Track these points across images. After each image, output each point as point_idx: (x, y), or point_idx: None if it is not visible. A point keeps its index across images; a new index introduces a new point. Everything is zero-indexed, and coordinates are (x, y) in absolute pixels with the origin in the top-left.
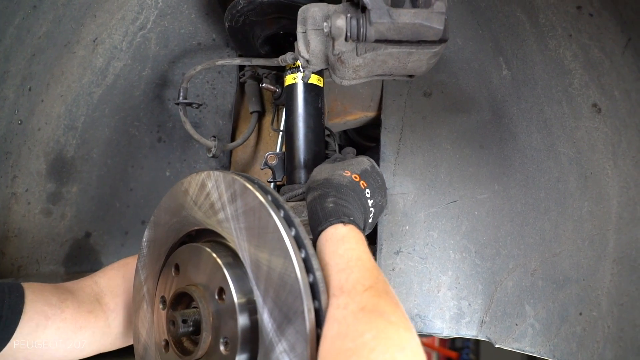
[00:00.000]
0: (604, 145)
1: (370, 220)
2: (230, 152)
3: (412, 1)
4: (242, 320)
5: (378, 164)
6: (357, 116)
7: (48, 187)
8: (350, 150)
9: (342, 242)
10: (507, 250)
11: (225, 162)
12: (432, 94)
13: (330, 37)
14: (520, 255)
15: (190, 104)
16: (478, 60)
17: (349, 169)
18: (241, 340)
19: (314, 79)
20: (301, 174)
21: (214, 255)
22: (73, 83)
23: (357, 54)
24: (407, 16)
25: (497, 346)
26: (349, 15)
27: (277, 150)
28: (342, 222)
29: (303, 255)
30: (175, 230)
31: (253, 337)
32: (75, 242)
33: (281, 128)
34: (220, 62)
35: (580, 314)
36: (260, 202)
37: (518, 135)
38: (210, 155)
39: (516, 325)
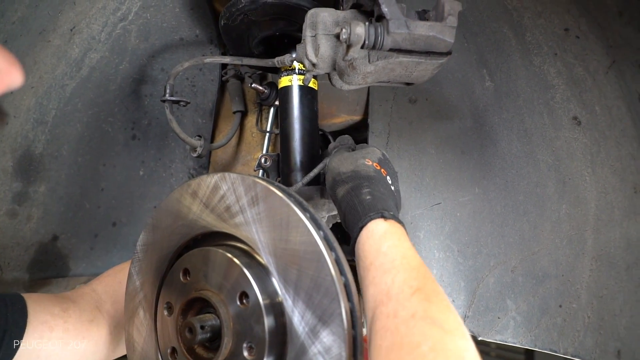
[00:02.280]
0: (583, 154)
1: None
2: (210, 152)
3: (419, 14)
4: (270, 323)
5: None
6: (342, 119)
7: (14, 186)
8: (347, 137)
9: (384, 238)
10: (488, 249)
11: (204, 162)
12: (417, 100)
13: (345, 43)
14: (501, 254)
15: (177, 102)
16: (462, 71)
17: (369, 158)
18: (269, 343)
19: (310, 82)
20: (297, 176)
21: (235, 259)
22: (45, 74)
23: (369, 61)
24: (422, 28)
25: (480, 338)
26: (367, 23)
27: (264, 151)
28: (383, 216)
29: (334, 257)
30: (180, 234)
31: (281, 340)
32: (42, 246)
33: (267, 129)
34: (208, 60)
35: (560, 306)
36: (288, 205)
37: (498, 142)
38: (196, 155)
39: (498, 318)
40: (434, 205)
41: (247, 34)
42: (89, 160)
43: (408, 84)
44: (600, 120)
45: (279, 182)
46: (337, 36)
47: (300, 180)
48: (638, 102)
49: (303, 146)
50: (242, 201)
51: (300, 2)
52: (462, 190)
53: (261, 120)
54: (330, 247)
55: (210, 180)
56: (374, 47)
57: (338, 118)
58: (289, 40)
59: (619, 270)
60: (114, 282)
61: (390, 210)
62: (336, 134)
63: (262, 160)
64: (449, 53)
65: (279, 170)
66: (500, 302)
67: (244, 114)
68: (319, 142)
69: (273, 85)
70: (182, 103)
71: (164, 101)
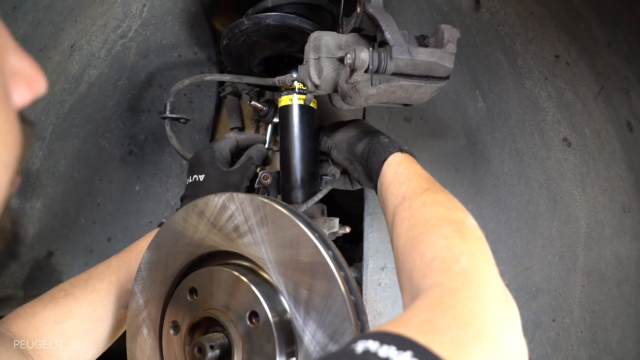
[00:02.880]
0: (573, 174)
1: None
2: None
3: (417, 39)
4: (280, 342)
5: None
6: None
7: (11, 202)
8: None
9: (400, 164)
10: None
11: None
12: (412, 119)
13: (349, 67)
14: None
15: (177, 119)
16: (455, 92)
17: (364, 122)
18: None
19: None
20: (298, 194)
21: (244, 277)
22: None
23: (371, 84)
24: (424, 54)
25: None
26: (371, 49)
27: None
28: (401, 150)
29: (344, 276)
30: (186, 253)
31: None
32: (36, 263)
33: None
34: (209, 78)
35: (554, 320)
36: (297, 225)
37: (491, 160)
38: None
39: None
40: None
41: (248, 54)
42: (86, 175)
43: (406, 105)
44: (590, 142)
45: (280, 199)
46: (340, 59)
47: (301, 198)
48: (626, 127)
49: (304, 164)
50: (251, 221)
51: (303, 25)
52: None
53: None
54: (339, 267)
55: (217, 200)
56: (377, 72)
57: None
58: (289, 60)
59: (610, 287)
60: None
61: (404, 147)
62: None
63: (262, 177)
64: (447, 77)
65: (279, 187)
66: None
67: (241, 130)
68: (318, 160)
69: (271, 102)
70: (182, 120)
71: (164, 118)
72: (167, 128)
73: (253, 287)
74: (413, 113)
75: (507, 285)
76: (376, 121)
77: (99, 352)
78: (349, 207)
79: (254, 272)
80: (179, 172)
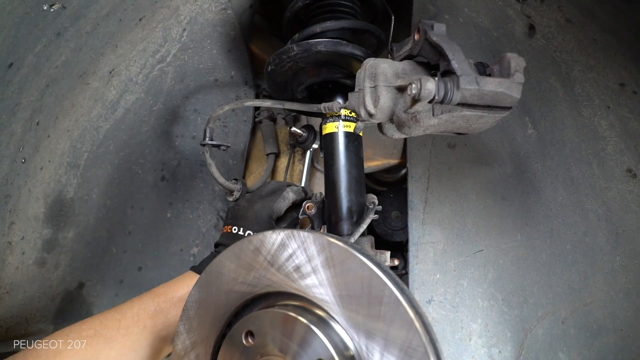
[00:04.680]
0: (639, 207)
1: None
2: None
3: (477, 67)
4: None
5: (401, 209)
6: (379, 162)
7: (44, 233)
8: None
9: None
10: (535, 299)
11: None
12: (456, 145)
13: (412, 97)
14: (549, 304)
15: (217, 146)
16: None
17: None
18: None
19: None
20: (345, 226)
21: (312, 325)
22: (81, 117)
23: (433, 114)
24: (492, 84)
25: None
26: (437, 78)
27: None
28: None
29: (423, 323)
30: (239, 292)
31: None
32: (67, 295)
33: (304, 173)
34: (249, 103)
35: None
36: (369, 268)
37: (542, 190)
38: (232, 199)
39: None
40: (476, 252)
41: (293, 80)
42: (118, 203)
43: (460, 134)
44: None
45: (325, 231)
46: (399, 88)
47: (348, 230)
48: None
49: (351, 194)
50: (315, 262)
51: (355, 52)
52: (504, 237)
53: (293, 164)
54: (417, 313)
55: (276, 237)
56: (441, 102)
57: (374, 161)
58: (333, 85)
59: None
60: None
61: None
62: (370, 177)
63: (306, 207)
64: (510, 107)
65: (324, 218)
66: (551, 354)
67: (277, 156)
68: (365, 190)
69: (311, 128)
70: (222, 147)
71: (203, 145)
72: (207, 155)
73: (321, 335)
74: (457, 139)
75: (563, 322)
76: (419, 147)
77: None
78: (384, 234)
79: (319, 317)
80: (211, 198)
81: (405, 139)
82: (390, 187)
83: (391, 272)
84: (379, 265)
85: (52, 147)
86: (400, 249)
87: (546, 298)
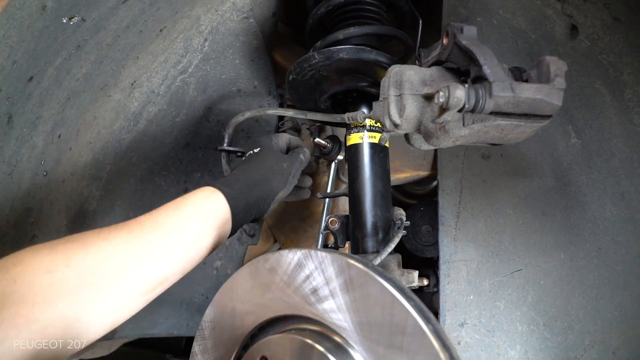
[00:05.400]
0: None
1: None
2: None
3: (513, 72)
4: None
5: (432, 224)
6: (408, 175)
7: None
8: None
9: None
10: (581, 325)
11: None
12: (490, 156)
13: (440, 106)
14: (598, 332)
15: (234, 152)
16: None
17: None
18: None
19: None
20: (370, 243)
21: (330, 355)
22: (104, 129)
23: (463, 124)
24: (529, 91)
25: None
26: (466, 85)
27: (326, 210)
28: None
29: (449, 357)
30: (254, 314)
31: None
32: None
33: (328, 186)
34: (271, 112)
35: None
36: (391, 294)
37: (587, 204)
38: None
39: None
40: (514, 271)
41: (315, 89)
42: (141, 215)
43: (495, 144)
44: None
45: (349, 247)
46: (426, 96)
47: (373, 247)
48: None
49: (376, 209)
50: (333, 284)
51: (379, 58)
52: (545, 256)
53: (317, 175)
54: (444, 345)
55: (292, 256)
56: (472, 111)
57: (402, 173)
58: (358, 94)
59: None
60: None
61: None
62: (398, 189)
63: (330, 222)
64: (550, 115)
65: (348, 233)
66: None
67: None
68: (392, 204)
69: (335, 139)
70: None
71: (220, 150)
72: (223, 161)
73: None
74: (492, 150)
75: (615, 353)
76: (450, 158)
77: None
78: (414, 249)
79: (337, 345)
80: None
81: (435, 150)
82: (420, 199)
83: (416, 298)
84: (402, 290)
85: (75, 160)
86: (431, 265)
87: (594, 325)
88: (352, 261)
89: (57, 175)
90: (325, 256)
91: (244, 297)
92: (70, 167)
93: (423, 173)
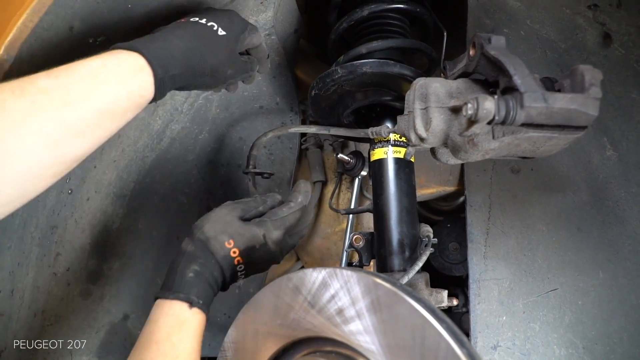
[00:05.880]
0: None
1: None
2: None
3: (544, 82)
4: None
5: (459, 241)
6: (433, 190)
7: (90, 264)
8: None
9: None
10: (625, 349)
11: None
12: (520, 170)
13: (469, 119)
14: None
15: (260, 174)
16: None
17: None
18: None
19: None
20: (396, 261)
21: None
22: (128, 147)
23: (493, 137)
24: (563, 101)
25: None
26: (496, 97)
27: (350, 226)
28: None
29: None
30: (278, 335)
31: None
32: (112, 327)
33: (352, 203)
34: (293, 129)
35: None
36: (421, 315)
37: (626, 220)
38: None
39: None
40: (549, 291)
41: (338, 104)
42: (164, 233)
43: (525, 157)
44: None
45: (374, 265)
46: (453, 109)
47: (400, 265)
48: None
49: (402, 226)
50: (359, 305)
51: (403, 72)
52: (582, 274)
53: (339, 192)
54: None
55: (317, 275)
56: (503, 123)
57: (428, 189)
58: (381, 109)
59: None
60: None
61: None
62: (424, 205)
63: (354, 239)
64: (586, 127)
65: (373, 251)
66: None
67: (324, 184)
68: (418, 221)
69: (359, 154)
70: (265, 175)
71: (246, 173)
72: (250, 184)
73: None
74: (522, 164)
75: None
76: (478, 173)
77: None
78: (442, 268)
79: None
80: None
81: (462, 165)
82: (447, 216)
83: (448, 320)
84: (433, 311)
85: (99, 178)
86: (460, 284)
87: (639, 349)
88: (379, 280)
89: (81, 193)
90: (351, 275)
91: (267, 317)
92: (94, 185)
93: (449, 188)
